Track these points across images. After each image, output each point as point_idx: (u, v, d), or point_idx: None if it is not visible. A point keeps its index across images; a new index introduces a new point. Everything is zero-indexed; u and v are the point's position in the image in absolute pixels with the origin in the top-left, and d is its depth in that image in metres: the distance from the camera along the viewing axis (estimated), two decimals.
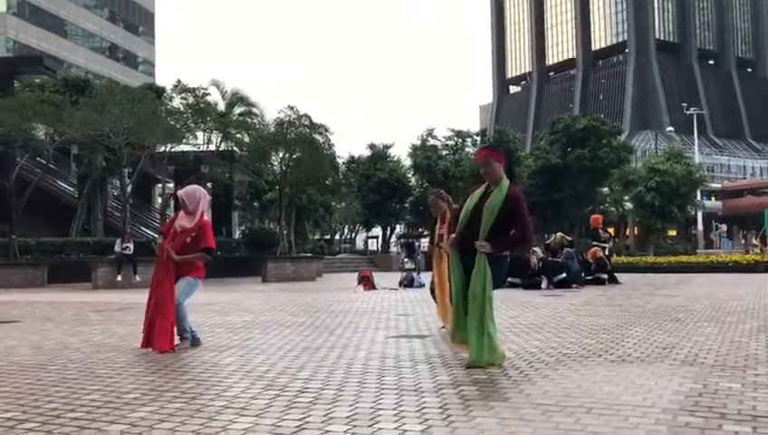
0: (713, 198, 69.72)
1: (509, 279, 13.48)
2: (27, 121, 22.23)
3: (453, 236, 5.24)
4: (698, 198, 43.48)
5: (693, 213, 44.29)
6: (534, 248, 15.82)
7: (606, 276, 15.60)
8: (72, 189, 30.34)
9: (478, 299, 4.95)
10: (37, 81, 29.79)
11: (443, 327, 7.31)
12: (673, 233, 51.51)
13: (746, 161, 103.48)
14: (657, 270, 23.30)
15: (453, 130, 42.36)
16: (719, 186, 76.98)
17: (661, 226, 39.56)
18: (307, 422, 3.46)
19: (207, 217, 6.44)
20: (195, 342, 6.21)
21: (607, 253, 16.34)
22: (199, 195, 6.19)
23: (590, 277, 15.28)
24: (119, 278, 19.13)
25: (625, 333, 6.78)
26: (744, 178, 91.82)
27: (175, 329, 6.04)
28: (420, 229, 42.13)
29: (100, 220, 27.58)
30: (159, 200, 31.27)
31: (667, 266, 24.05)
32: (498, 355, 5.00)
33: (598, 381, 4.37)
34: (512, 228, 5.11)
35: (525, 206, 5.21)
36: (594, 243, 16.45)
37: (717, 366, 4.88)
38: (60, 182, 31.00)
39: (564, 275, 14.48)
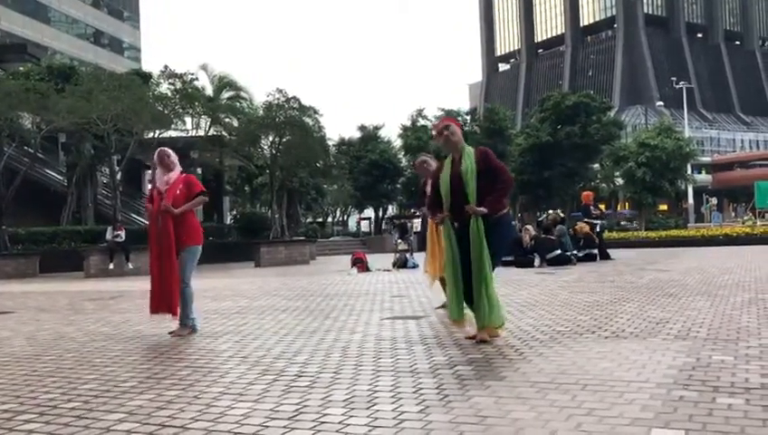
0: (703, 172, 70.02)
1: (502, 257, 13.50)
2: (13, 110, 21.99)
3: (440, 215, 5.24)
4: (689, 172, 43.62)
5: (683, 187, 44.50)
6: (527, 226, 15.88)
7: (596, 251, 15.68)
8: (61, 178, 30.12)
9: (478, 261, 4.97)
10: (21, 69, 29.43)
11: (439, 307, 7.35)
12: (664, 208, 51.74)
13: (735, 134, 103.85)
14: (648, 245, 23.42)
15: (443, 110, 42.37)
16: (709, 159, 77.28)
17: (652, 201, 39.73)
18: (305, 406, 3.48)
19: None
20: (192, 329, 6.22)
21: (598, 229, 16.40)
22: (173, 154, 6.27)
23: (581, 255, 15.33)
24: (111, 266, 19.06)
25: (618, 308, 6.82)
26: (734, 151, 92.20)
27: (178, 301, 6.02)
28: (413, 210, 42.22)
29: (91, 208, 27.42)
30: (149, 187, 31.14)
31: (659, 241, 24.18)
32: (502, 317, 5.10)
33: (592, 358, 4.40)
34: (495, 184, 5.10)
35: (494, 155, 5.26)
36: (585, 219, 16.52)
37: (710, 339, 4.93)
38: (49, 171, 30.76)
39: (558, 252, 14.55)
